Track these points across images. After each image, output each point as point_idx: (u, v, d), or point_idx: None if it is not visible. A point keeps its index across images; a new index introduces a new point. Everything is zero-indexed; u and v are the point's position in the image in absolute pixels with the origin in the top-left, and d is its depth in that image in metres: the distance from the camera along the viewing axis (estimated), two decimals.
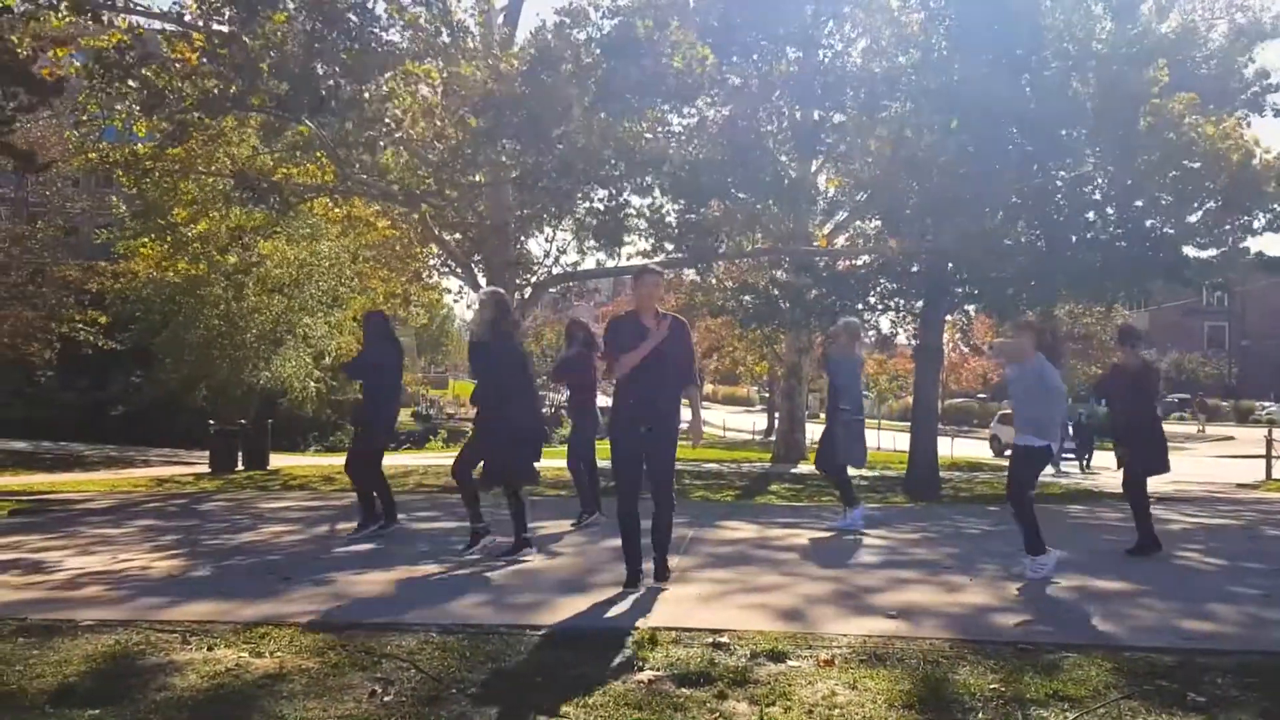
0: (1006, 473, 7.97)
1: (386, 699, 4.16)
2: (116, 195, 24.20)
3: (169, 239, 17.50)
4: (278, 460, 20.64)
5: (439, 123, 13.41)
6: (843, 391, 9.74)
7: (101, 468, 21.60)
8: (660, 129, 15.51)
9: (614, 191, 14.82)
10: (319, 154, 14.09)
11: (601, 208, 15.23)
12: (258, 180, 14.05)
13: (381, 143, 12.59)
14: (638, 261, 18.60)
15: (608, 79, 13.05)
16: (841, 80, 14.56)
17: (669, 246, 16.08)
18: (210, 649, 4.91)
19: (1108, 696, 4.24)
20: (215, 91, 11.56)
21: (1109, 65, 13.46)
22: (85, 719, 3.90)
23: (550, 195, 14.52)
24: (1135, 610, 6.05)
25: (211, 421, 20.28)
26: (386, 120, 12.52)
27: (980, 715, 4.01)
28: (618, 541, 6.36)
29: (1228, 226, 15.22)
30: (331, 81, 11.66)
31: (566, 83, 12.80)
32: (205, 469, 19.16)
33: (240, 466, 19.16)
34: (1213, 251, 15.93)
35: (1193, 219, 14.97)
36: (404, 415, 46.34)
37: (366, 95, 11.88)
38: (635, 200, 15.81)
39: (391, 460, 23.33)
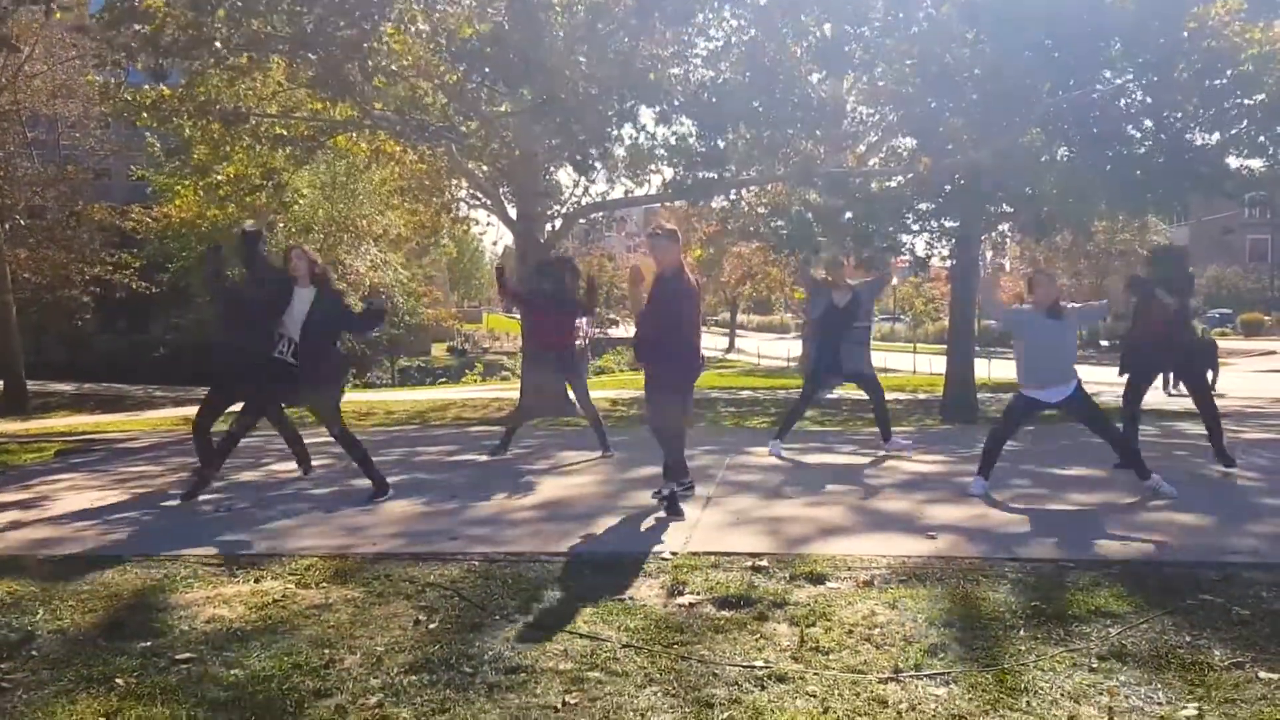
0: None
1: (432, 627, 4.22)
2: (150, 134, 24.16)
3: (201, 184, 17.41)
4: None
5: (432, 61, 13.16)
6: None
7: (145, 408, 21.94)
8: (687, 50, 15.16)
9: (621, 112, 14.15)
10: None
11: (625, 140, 14.63)
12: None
13: (383, 69, 12.26)
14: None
15: (601, 7, 12.65)
16: None
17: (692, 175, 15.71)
18: (257, 581, 5.00)
19: (1150, 612, 4.23)
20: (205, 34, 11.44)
21: None
22: (137, 651, 3.98)
23: (562, 132, 14.09)
24: (1175, 526, 5.99)
25: None
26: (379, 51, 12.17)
27: (1022, 632, 4.02)
28: (645, 470, 6.36)
29: (1268, 137, 14.71)
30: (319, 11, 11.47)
31: (551, 19, 12.42)
32: None
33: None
34: (1256, 162, 15.47)
35: (1235, 130, 14.51)
36: (439, 350, 46.58)
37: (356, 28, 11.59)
38: (660, 131, 15.38)
39: (429, 394, 23.60)
